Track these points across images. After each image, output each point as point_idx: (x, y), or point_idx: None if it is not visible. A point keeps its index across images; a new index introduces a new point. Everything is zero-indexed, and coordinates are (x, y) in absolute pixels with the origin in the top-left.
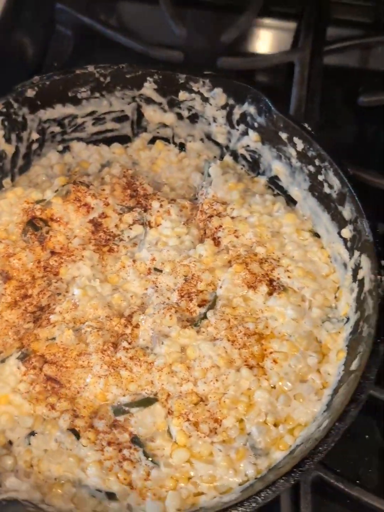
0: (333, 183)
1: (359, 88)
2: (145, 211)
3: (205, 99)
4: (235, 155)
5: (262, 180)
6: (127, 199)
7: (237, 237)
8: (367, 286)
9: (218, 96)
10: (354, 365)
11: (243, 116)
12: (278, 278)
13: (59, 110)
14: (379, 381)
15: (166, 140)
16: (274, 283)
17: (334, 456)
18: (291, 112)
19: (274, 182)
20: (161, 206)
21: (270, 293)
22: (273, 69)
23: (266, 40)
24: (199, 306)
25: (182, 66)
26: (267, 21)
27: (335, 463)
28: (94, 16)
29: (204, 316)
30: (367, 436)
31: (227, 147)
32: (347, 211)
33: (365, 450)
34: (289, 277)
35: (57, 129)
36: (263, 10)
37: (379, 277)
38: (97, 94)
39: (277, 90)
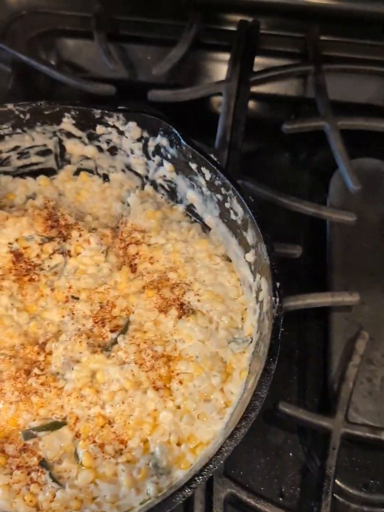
0: (237, 210)
1: (289, 115)
2: (65, 240)
3: (121, 133)
4: (154, 184)
5: (180, 208)
6: (48, 230)
7: (151, 263)
8: (265, 307)
9: (133, 129)
10: (249, 384)
11: (158, 148)
12: (188, 302)
13: None
14: (301, 401)
15: (90, 171)
16: (184, 307)
17: (257, 474)
18: (216, 141)
19: (191, 210)
20: (80, 235)
21: (180, 317)
22: (205, 100)
23: (199, 72)
24: (112, 331)
25: (98, 101)
26: (200, 53)
27: (260, 480)
28: (34, 53)
29: (115, 341)
30: (291, 454)
31: (146, 177)
32: (250, 237)
33: (288, 467)
34: (198, 300)
35: None
36: (196, 43)
37: (273, 298)
38: (19, 130)
39: (208, 121)
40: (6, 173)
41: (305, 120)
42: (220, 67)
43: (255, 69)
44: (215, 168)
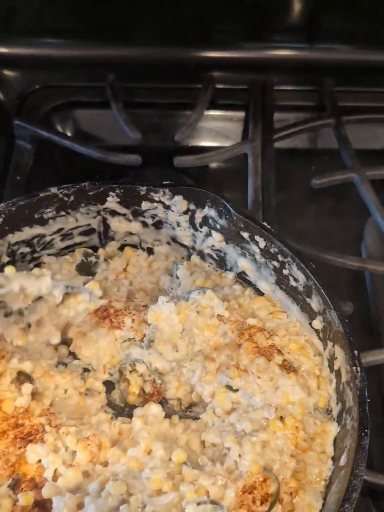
0: (298, 277)
1: (310, 167)
2: None
3: (167, 207)
4: (201, 254)
5: (230, 275)
6: (101, 322)
7: None
8: (344, 377)
9: (179, 203)
10: (342, 461)
11: (205, 219)
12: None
13: (27, 232)
14: (371, 465)
15: (134, 246)
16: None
17: None
18: (249, 202)
19: (242, 277)
20: (133, 321)
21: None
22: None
23: (217, 131)
24: None
25: (141, 178)
26: (216, 113)
27: None
28: (51, 127)
29: None
30: None
31: (193, 248)
32: (315, 303)
33: None
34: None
35: (26, 249)
36: (211, 104)
37: (354, 368)
38: (63, 213)
39: (233, 179)
40: (49, 254)
41: (333, 174)
42: (233, 126)
43: (274, 125)
44: (270, 235)
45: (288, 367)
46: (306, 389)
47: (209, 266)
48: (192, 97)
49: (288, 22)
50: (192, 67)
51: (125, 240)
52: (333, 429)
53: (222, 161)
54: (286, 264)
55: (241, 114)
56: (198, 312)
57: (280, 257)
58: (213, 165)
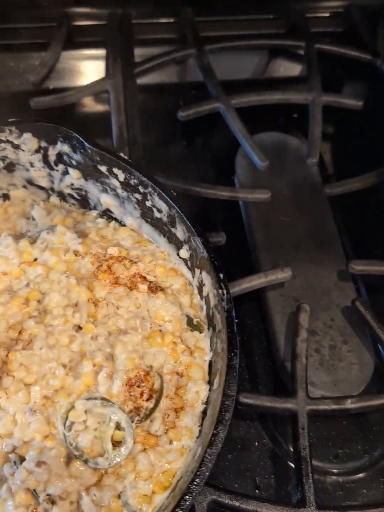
0: (160, 207)
1: (178, 101)
2: None
3: (16, 146)
4: (62, 195)
5: (94, 213)
6: None
7: None
8: (212, 301)
9: (29, 141)
10: (215, 384)
11: (59, 156)
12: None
13: None
14: (255, 387)
15: None
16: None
17: (228, 472)
18: (114, 140)
19: (107, 215)
20: None
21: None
22: (94, 98)
23: (79, 71)
24: None
25: None
26: (76, 52)
27: (232, 477)
28: None
29: None
30: (256, 443)
31: (52, 189)
32: (179, 232)
33: (257, 457)
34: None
35: None
36: (68, 43)
37: (220, 291)
38: None
39: (100, 119)
40: None
41: (199, 104)
42: (94, 64)
43: (137, 60)
44: (128, 166)
45: (154, 289)
46: (178, 304)
47: (70, 206)
48: (48, 37)
49: None
50: (45, 4)
51: None
52: (207, 347)
53: (85, 102)
54: (148, 194)
55: (102, 51)
56: (51, 250)
57: (141, 189)
58: (79, 108)
